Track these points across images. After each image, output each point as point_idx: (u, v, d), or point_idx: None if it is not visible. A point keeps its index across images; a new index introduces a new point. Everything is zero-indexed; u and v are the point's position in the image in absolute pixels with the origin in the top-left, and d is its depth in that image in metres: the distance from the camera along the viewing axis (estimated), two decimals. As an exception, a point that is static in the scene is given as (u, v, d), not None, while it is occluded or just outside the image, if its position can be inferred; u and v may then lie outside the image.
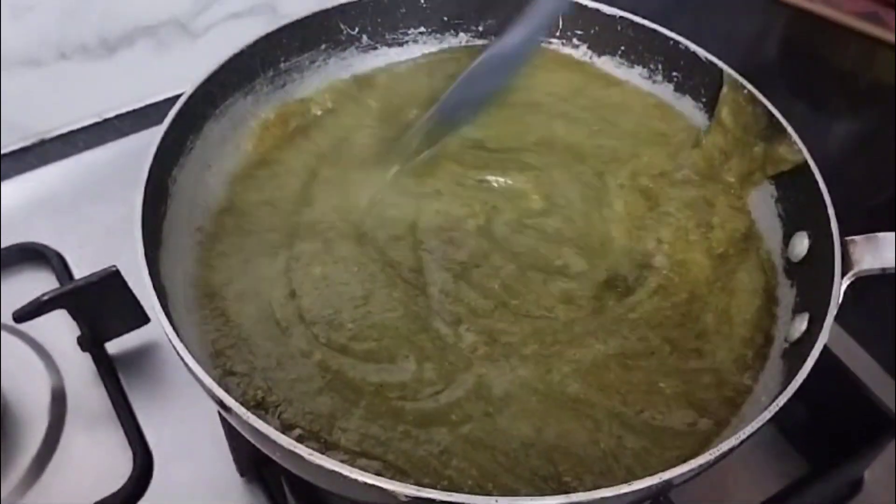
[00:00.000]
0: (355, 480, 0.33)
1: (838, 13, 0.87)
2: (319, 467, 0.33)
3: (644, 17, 0.56)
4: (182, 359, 0.37)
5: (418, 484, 0.34)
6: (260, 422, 0.35)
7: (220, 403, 0.36)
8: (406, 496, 0.33)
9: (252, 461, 0.50)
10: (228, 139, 0.51)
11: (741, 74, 0.52)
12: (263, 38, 0.51)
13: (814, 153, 0.48)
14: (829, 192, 0.46)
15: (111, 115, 0.75)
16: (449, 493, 0.32)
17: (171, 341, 0.38)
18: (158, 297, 0.39)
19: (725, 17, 0.88)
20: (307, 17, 0.53)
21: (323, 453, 0.34)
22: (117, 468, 0.51)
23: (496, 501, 0.32)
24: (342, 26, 0.55)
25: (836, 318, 0.42)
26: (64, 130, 0.73)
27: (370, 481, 0.33)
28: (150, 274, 0.40)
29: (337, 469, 0.33)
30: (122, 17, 0.70)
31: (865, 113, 0.83)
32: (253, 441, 0.37)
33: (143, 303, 0.55)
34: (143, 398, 0.55)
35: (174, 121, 0.46)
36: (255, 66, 0.52)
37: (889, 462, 0.53)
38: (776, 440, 0.55)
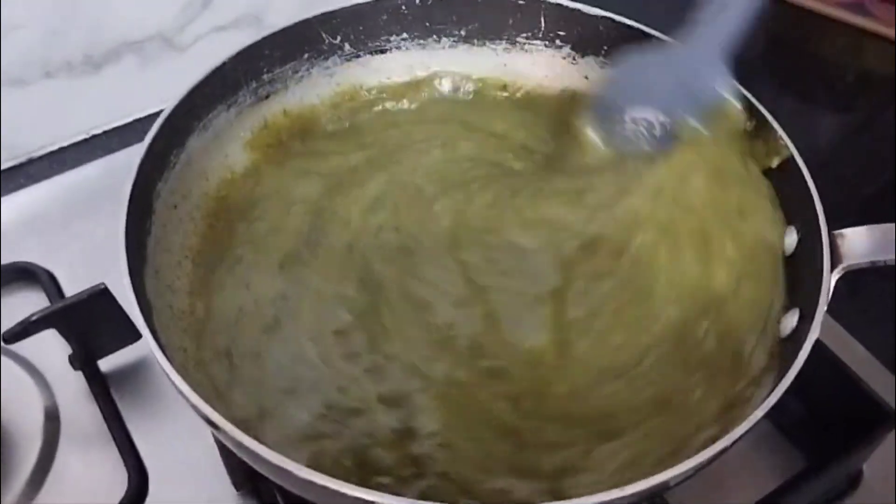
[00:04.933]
0: (345, 494, 0.33)
1: (824, 5, 0.87)
2: (309, 482, 0.33)
3: (626, 16, 0.55)
4: (168, 377, 0.37)
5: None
6: (248, 438, 0.34)
7: (208, 420, 0.36)
8: (398, 509, 0.32)
9: (247, 475, 0.50)
10: (213, 152, 0.51)
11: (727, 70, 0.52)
12: (244, 50, 0.51)
13: (802, 147, 0.48)
14: (818, 185, 0.46)
15: (99, 131, 0.75)
16: (441, 506, 0.32)
17: (157, 360, 0.37)
18: (144, 316, 0.39)
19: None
20: (288, 28, 0.53)
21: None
22: (112, 486, 0.51)
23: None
24: (324, 35, 0.55)
25: (830, 310, 0.41)
26: (52, 148, 0.73)
27: (361, 495, 0.32)
28: (136, 292, 0.40)
29: (326, 483, 0.33)
30: (107, 33, 0.70)
31: (854, 105, 0.83)
32: (242, 457, 0.37)
33: (133, 319, 0.54)
34: (137, 415, 0.55)
35: (156, 137, 0.46)
36: (237, 79, 0.52)
37: (888, 455, 0.53)
38: (773, 436, 0.54)
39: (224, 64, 0.50)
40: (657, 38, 0.54)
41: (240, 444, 0.35)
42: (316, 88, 0.57)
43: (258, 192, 0.53)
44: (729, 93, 0.49)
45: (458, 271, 0.48)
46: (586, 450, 0.41)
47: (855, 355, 0.57)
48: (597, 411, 0.43)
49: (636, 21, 0.55)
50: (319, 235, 0.51)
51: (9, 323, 0.51)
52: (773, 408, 0.37)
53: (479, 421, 0.43)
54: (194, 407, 0.36)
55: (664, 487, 0.36)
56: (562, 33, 0.58)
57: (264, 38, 0.52)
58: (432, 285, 0.48)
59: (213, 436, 0.49)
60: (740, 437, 0.36)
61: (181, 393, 0.36)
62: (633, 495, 0.34)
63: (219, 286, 0.48)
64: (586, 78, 0.58)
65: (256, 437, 0.35)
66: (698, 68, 0.49)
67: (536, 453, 0.41)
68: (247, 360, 0.45)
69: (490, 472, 0.40)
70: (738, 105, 0.49)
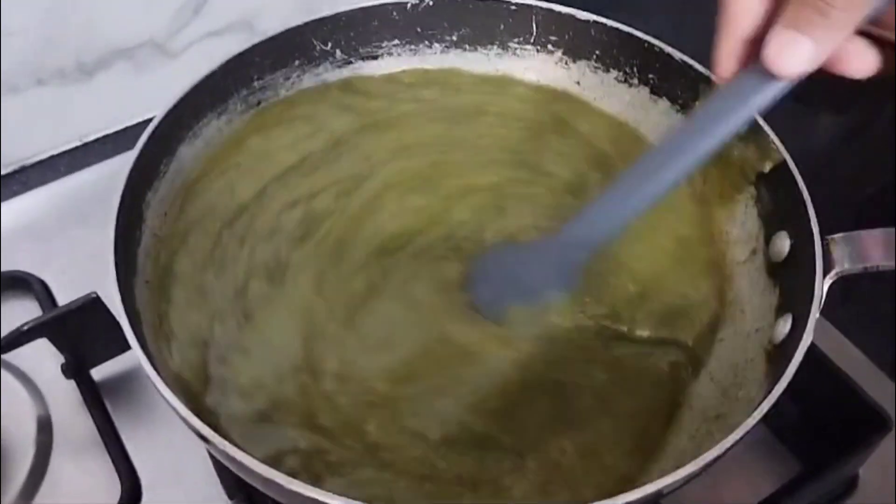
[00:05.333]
0: (333, 507, 0.33)
1: (819, 6, 0.87)
2: (297, 494, 0.33)
3: (618, 21, 0.55)
4: (158, 389, 0.37)
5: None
6: (238, 451, 0.34)
7: (198, 434, 0.35)
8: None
9: (239, 484, 0.50)
10: (203, 160, 0.51)
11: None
12: (234, 57, 0.51)
13: (796, 150, 0.47)
14: (812, 189, 0.45)
15: (92, 138, 0.74)
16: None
17: (146, 372, 0.37)
18: (133, 327, 0.39)
19: (704, 16, 0.88)
20: (278, 35, 0.53)
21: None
22: (105, 494, 0.51)
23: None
24: (314, 42, 0.55)
25: (824, 314, 0.41)
26: (44, 156, 0.73)
27: (349, 507, 0.32)
28: (125, 303, 0.40)
29: (314, 495, 0.33)
30: (98, 40, 0.69)
31: (849, 108, 0.83)
32: (232, 469, 0.37)
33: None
34: (130, 424, 0.54)
35: (144, 148, 0.45)
36: (227, 86, 0.52)
37: (884, 459, 0.53)
38: (769, 441, 0.54)
39: (213, 73, 0.50)
40: (648, 43, 0.54)
41: (230, 457, 0.35)
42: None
43: (288, 114, 0.54)
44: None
45: (396, 204, 0.51)
46: (354, 462, 0.41)
47: (851, 359, 0.57)
48: (381, 441, 0.42)
49: (628, 25, 0.55)
50: (331, 159, 0.52)
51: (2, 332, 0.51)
52: (769, 413, 0.37)
53: (293, 391, 0.43)
54: (184, 420, 0.36)
55: (657, 496, 0.35)
56: (553, 38, 0.57)
57: (254, 46, 0.52)
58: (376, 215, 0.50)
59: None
60: (733, 445, 0.36)
61: (171, 406, 0.36)
62: (625, 506, 0.34)
63: (203, 189, 0.50)
64: (578, 84, 0.58)
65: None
66: (563, 265, 0.46)
67: (319, 444, 0.41)
68: (191, 255, 0.47)
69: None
70: (767, 134, 0.47)
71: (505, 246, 0.49)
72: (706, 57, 0.53)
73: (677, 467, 0.35)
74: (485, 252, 0.49)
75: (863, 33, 0.83)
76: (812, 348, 0.46)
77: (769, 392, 0.38)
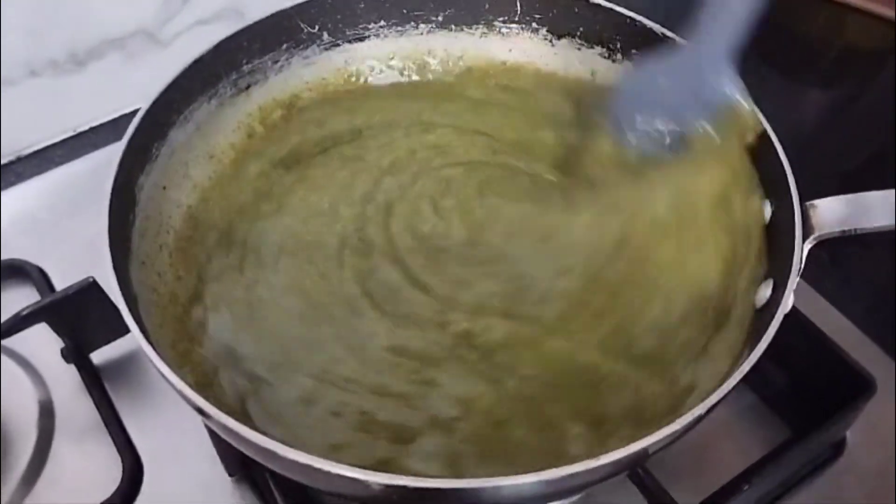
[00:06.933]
0: (328, 472, 0.33)
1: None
2: (293, 462, 0.34)
3: (604, -2, 0.56)
4: (155, 366, 0.37)
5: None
6: (234, 421, 0.35)
7: (196, 407, 0.36)
8: (378, 484, 0.33)
9: (239, 461, 0.51)
10: (195, 144, 0.52)
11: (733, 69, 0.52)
12: (222, 42, 0.52)
13: (786, 125, 0.48)
14: (800, 161, 0.46)
15: (86, 128, 0.75)
16: (419, 479, 0.33)
17: (143, 350, 0.38)
18: (130, 308, 0.40)
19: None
20: (266, 19, 0.53)
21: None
22: (108, 476, 0.52)
23: (466, 484, 0.33)
24: (302, 25, 0.56)
25: (811, 281, 0.42)
26: (39, 146, 0.74)
27: (343, 472, 0.33)
28: (121, 284, 0.40)
29: (310, 462, 0.33)
30: (90, 31, 0.70)
31: (837, 81, 0.83)
32: (230, 441, 0.38)
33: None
34: (130, 405, 0.55)
35: (137, 130, 0.46)
36: (217, 71, 0.52)
37: (870, 423, 0.54)
38: (757, 408, 0.55)
39: (202, 57, 0.51)
40: (630, 18, 0.54)
41: (227, 428, 0.35)
42: (296, 78, 0.57)
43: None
44: (738, 94, 0.48)
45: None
46: None
47: (837, 325, 0.58)
48: None
49: (611, 1, 0.55)
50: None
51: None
52: (757, 379, 0.38)
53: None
54: (182, 394, 0.37)
55: (643, 456, 0.36)
56: (538, 16, 0.58)
57: (242, 30, 0.52)
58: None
59: (204, 424, 0.50)
60: (715, 405, 0.37)
61: (169, 382, 0.37)
62: (611, 463, 0.35)
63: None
64: (565, 63, 0.59)
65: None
66: (704, 72, 0.48)
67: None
68: None
69: None
70: (747, 106, 0.48)
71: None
72: (688, 32, 0.53)
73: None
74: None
75: (860, 10, 0.84)
76: (798, 315, 0.47)
77: (750, 353, 0.38)
